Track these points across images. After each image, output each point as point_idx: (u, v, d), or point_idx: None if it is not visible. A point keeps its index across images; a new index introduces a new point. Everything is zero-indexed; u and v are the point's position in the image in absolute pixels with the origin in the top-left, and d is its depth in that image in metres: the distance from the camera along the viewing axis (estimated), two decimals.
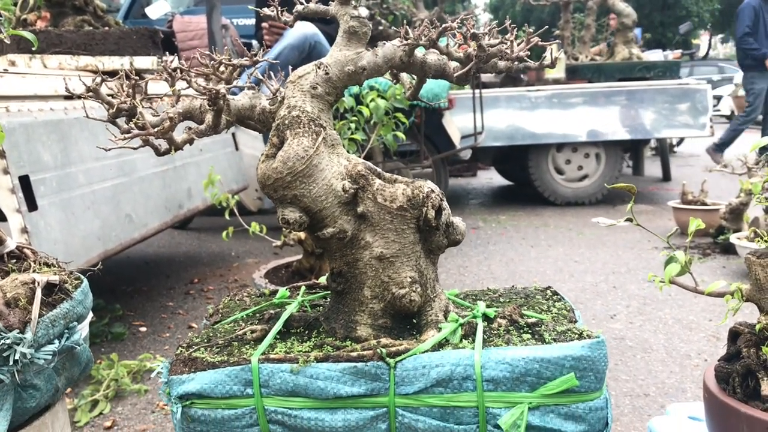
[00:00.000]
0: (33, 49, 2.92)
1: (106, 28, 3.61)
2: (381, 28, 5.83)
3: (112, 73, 3.44)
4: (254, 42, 5.39)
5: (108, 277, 4.62)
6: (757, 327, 1.26)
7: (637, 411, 2.74)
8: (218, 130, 1.17)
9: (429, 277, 1.18)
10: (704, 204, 5.63)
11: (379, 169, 1.19)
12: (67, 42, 3.31)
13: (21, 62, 3.03)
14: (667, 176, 8.12)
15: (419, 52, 1.18)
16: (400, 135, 3.68)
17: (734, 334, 1.35)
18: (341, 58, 1.15)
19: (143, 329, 3.79)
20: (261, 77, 1.20)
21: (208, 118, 1.15)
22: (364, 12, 1.30)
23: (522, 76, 6.82)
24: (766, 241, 1.30)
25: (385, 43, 1.18)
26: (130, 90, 1.09)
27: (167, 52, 4.01)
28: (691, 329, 3.45)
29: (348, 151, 4.07)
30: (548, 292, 1.37)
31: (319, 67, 1.15)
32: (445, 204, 1.16)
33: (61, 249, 2.76)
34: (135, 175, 3.37)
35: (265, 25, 5.05)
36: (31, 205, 2.58)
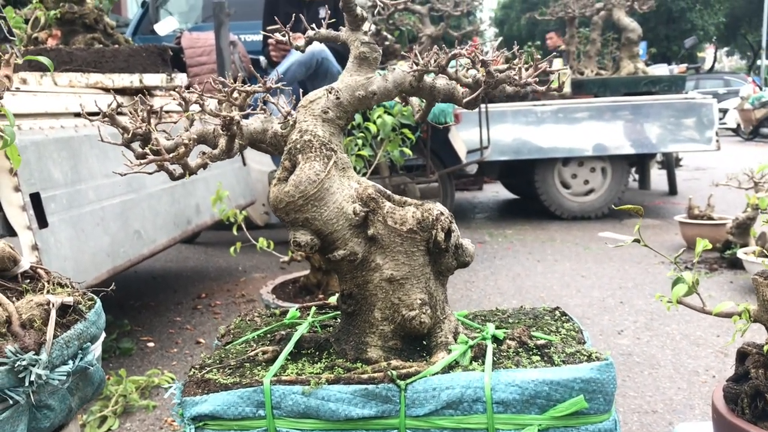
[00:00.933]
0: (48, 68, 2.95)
1: (116, 45, 3.65)
2: (387, 43, 5.86)
3: (122, 91, 3.47)
4: (262, 58, 5.44)
5: (116, 292, 4.64)
6: (765, 348, 1.26)
7: (645, 428, 2.73)
8: (231, 155, 1.19)
9: (438, 299, 1.19)
10: (711, 218, 5.62)
11: (389, 192, 1.20)
12: (77, 60, 3.35)
13: (32, 80, 3.06)
14: (673, 190, 8.12)
15: (428, 77, 1.20)
16: (407, 151, 3.70)
17: (742, 355, 1.35)
18: (352, 83, 1.18)
19: (151, 344, 3.81)
20: (272, 100, 1.22)
21: (222, 142, 1.17)
22: (371, 28, 1.32)
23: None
24: None
25: (395, 68, 1.20)
26: (145, 115, 1.11)
27: (176, 69, 4.05)
28: (698, 345, 3.43)
29: (355, 167, 4.09)
30: (557, 312, 1.38)
31: (330, 92, 1.17)
32: (454, 226, 1.18)
33: (71, 265, 2.78)
34: (144, 192, 3.40)
35: (272, 41, 5.09)
36: (42, 222, 2.61)
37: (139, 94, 1.20)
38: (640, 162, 7.11)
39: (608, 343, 3.66)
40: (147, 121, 1.12)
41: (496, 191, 9.36)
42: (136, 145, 1.19)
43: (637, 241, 1.35)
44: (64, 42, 3.65)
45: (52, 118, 2.90)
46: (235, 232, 3.54)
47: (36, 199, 2.59)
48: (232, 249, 3.51)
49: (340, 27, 1.25)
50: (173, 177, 1.14)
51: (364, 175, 3.92)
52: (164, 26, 5.19)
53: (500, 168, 6.95)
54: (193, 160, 1.13)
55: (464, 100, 1.19)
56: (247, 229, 3.64)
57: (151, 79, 3.62)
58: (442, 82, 1.20)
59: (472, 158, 5.92)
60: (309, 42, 1.24)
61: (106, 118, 1.12)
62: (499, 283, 4.69)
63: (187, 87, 4.21)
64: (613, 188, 6.65)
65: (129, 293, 4.59)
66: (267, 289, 3.51)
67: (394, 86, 1.19)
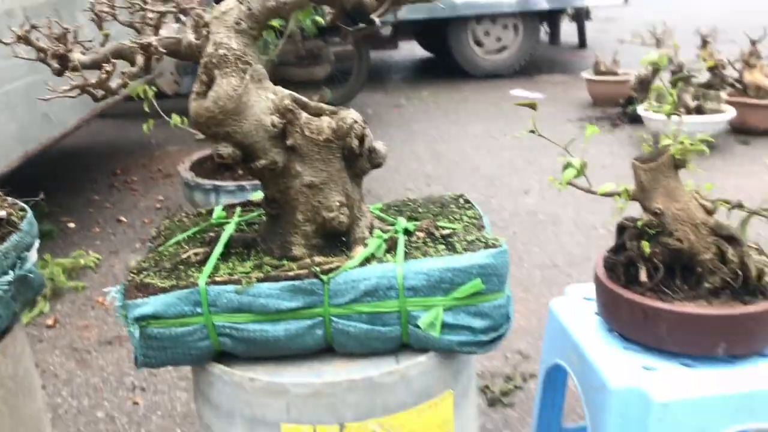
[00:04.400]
0: None
1: None
2: None
3: None
4: None
5: (29, 172, 4.54)
6: (639, 223, 1.45)
7: (546, 281, 3.03)
8: (149, 71, 1.22)
9: (355, 199, 1.30)
10: (616, 74, 5.83)
11: (304, 99, 1.27)
12: None
13: None
14: (583, 43, 8.28)
15: None
16: (319, 20, 3.64)
17: (621, 228, 1.55)
18: None
19: (72, 225, 3.80)
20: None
21: (139, 60, 1.20)
22: None
23: None
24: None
25: None
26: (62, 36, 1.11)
27: None
28: (597, 201, 3.69)
29: (267, 38, 3.99)
30: (461, 200, 1.53)
31: (241, 3, 1.20)
32: (367, 131, 1.27)
33: None
34: (48, 71, 3.27)
35: None
36: None
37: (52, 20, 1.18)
38: (551, 17, 7.19)
39: (515, 202, 3.91)
40: (64, 42, 1.13)
41: (411, 49, 9.29)
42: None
43: (532, 131, 1.48)
44: None
45: None
46: (146, 108, 3.48)
47: None
48: (145, 126, 3.46)
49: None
50: (96, 99, 1.16)
51: (276, 46, 3.86)
52: None
53: (415, 28, 6.90)
54: (115, 84, 1.16)
55: (376, 15, 1.24)
56: (157, 98, 3.58)
57: None
58: None
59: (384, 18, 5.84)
60: None
61: (21, 40, 1.12)
62: (415, 148, 4.83)
63: None
64: (525, 45, 6.75)
65: (42, 173, 4.50)
66: (185, 166, 3.53)
67: None
